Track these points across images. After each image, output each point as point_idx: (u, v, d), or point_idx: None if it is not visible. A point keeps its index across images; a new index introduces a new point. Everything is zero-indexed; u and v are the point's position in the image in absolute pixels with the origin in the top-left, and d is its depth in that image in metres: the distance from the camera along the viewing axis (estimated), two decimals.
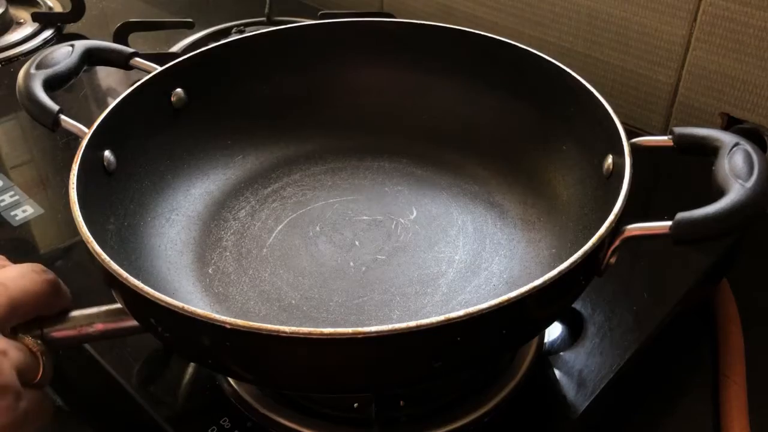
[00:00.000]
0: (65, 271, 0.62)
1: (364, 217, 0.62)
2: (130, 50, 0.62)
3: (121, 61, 0.62)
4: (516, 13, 0.83)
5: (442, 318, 0.37)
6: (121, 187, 0.56)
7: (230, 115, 0.66)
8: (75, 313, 0.47)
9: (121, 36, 0.88)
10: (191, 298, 0.55)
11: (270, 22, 0.95)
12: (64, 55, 0.59)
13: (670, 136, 0.50)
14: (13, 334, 0.44)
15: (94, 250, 0.42)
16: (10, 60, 0.92)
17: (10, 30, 0.98)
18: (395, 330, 0.37)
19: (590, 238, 0.42)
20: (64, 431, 0.56)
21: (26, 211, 0.68)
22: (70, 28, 0.98)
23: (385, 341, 0.37)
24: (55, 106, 0.54)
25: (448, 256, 0.58)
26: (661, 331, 0.56)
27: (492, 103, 0.65)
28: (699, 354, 0.59)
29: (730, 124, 0.72)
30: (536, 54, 0.60)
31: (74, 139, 0.53)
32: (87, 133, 0.52)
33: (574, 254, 0.41)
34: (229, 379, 0.52)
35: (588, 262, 0.41)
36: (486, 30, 0.64)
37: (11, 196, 0.70)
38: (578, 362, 0.53)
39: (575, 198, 0.58)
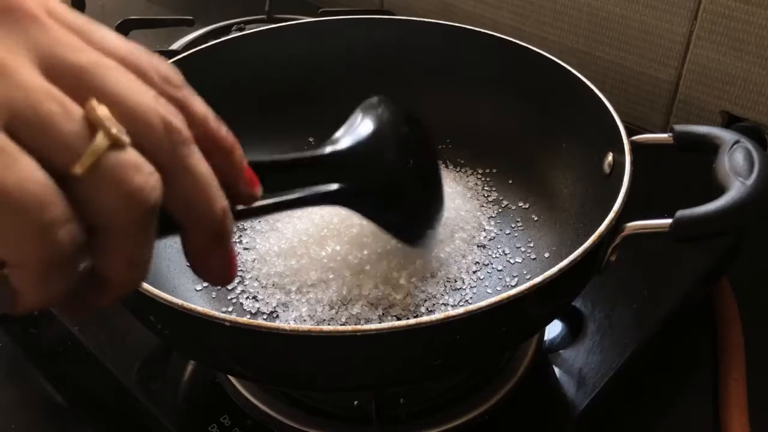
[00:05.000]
0: None
1: None
2: None
3: None
4: (516, 11, 0.83)
5: (441, 316, 0.37)
6: None
7: (230, 112, 0.65)
8: None
9: (120, 33, 0.88)
10: (191, 296, 0.55)
11: (270, 20, 0.95)
12: None
13: (670, 134, 0.50)
14: None
15: None
16: None
17: None
18: (395, 328, 0.37)
19: (590, 236, 0.42)
20: (64, 429, 0.56)
21: None
22: None
23: (384, 339, 0.37)
24: None
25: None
26: (661, 329, 0.56)
27: (492, 100, 0.65)
28: (699, 352, 0.59)
29: (730, 122, 0.72)
30: (537, 52, 0.60)
31: None
32: None
33: (574, 252, 0.41)
34: (230, 377, 0.52)
35: (588, 259, 0.41)
36: (486, 28, 0.64)
37: None
38: (578, 360, 0.53)
39: (575, 195, 0.58)
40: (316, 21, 0.68)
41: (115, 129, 0.24)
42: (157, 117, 0.25)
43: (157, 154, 0.25)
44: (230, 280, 0.30)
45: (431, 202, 0.51)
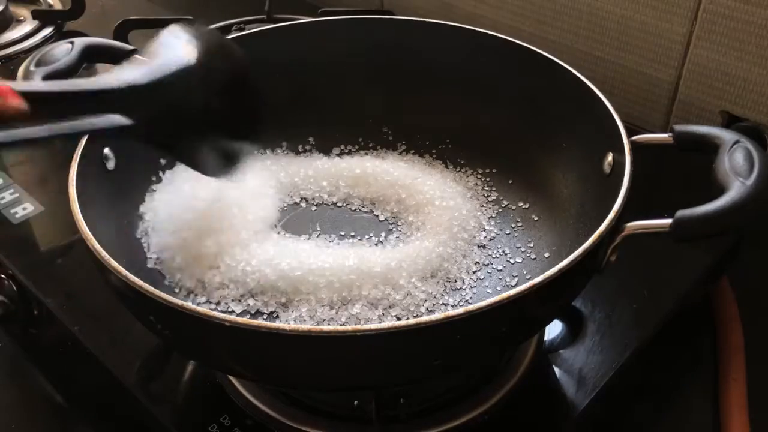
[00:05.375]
0: (65, 268, 0.62)
1: (364, 215, 0.62)
2: (130, 48, 0.62)
3: (121, 59, 0.62)
4: (516, 10, 0.83)
5: (441, 316, 0.37)
6: (121, 185, 0.56)
7: None
8: None
9: (121, 34, 0.88)
10: (190, 296, 0.55)
11: (270, 20, 0.95)
12: (64, 52, 0.59)
13: (670, 134, 0.50)
14: None
15: (94, 247, 0.42)
16: (9, 57, 0.92)
17: (10, 27, 0.97)
18: (395, 328, 0.37)
19: (590, 236, 0.42)
20: (64, 429, 0.56)
21: (26, 208, 0.68)
22: (70, 25, 0.98)
23: (384, 339, 0.37)
24: None
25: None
26: (661, 328, 0.56)
27: (492, 100, 0.65)
28: (699, 351, 0.59)
29: (730, 122, 0.72)
30: (537, 51, 0.60)
31: None
32: None
33: (574, 252, 0.41)
34: (230, 377, 0.52)
35: (588, 259, 0.41)
36: (486, 28, 0.64)
37: (11, 194, 0.70)
38: (578, 360, 0.53)
39: (575, 196, 0.57)
40: (316, 21, 0.68)
41: None
42: None
43: None
44: None
45: (239, 136, 0.46)
